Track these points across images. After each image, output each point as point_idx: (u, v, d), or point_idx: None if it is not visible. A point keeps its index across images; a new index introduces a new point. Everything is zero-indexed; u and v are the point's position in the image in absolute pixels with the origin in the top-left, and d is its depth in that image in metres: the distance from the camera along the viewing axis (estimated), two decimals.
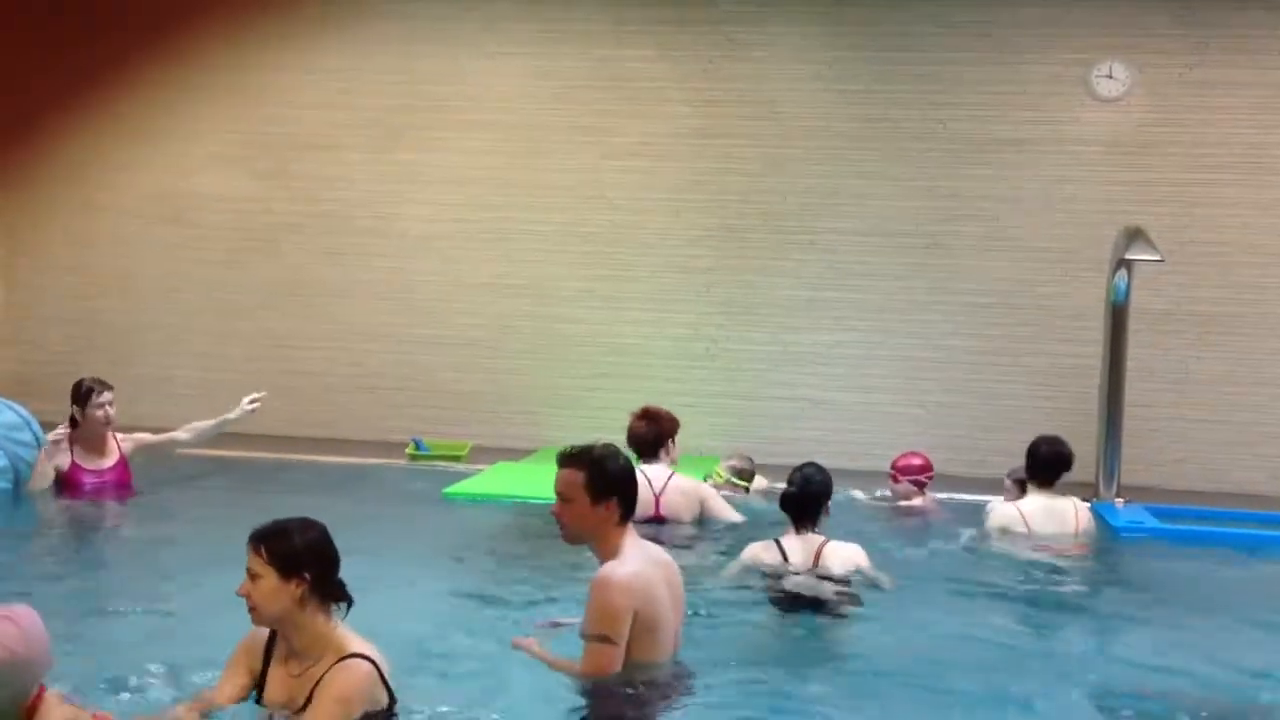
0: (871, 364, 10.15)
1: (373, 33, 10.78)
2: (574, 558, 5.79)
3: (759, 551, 6.00)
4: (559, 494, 4.37)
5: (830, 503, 6.03)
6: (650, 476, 6.97)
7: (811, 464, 6.09)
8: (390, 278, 10.79)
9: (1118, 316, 8.88)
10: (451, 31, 10.69)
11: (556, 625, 4.76)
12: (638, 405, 10.25)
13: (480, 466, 9.16)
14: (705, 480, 7.78)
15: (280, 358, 10.83)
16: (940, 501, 8.41)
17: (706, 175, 10.42)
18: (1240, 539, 7.59)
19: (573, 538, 4.41)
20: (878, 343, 10.18)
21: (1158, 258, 8.63)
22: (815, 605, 5.62)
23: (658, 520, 6.97)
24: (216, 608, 4.43)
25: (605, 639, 4.18)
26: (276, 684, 3.86)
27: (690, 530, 7.02)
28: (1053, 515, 7.27)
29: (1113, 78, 9.88)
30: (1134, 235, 8.73)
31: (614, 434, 10.03)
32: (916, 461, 8.47)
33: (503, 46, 10.65)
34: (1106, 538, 7.65)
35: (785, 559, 5.88)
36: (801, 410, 10.14)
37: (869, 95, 10.21)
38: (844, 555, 5.92)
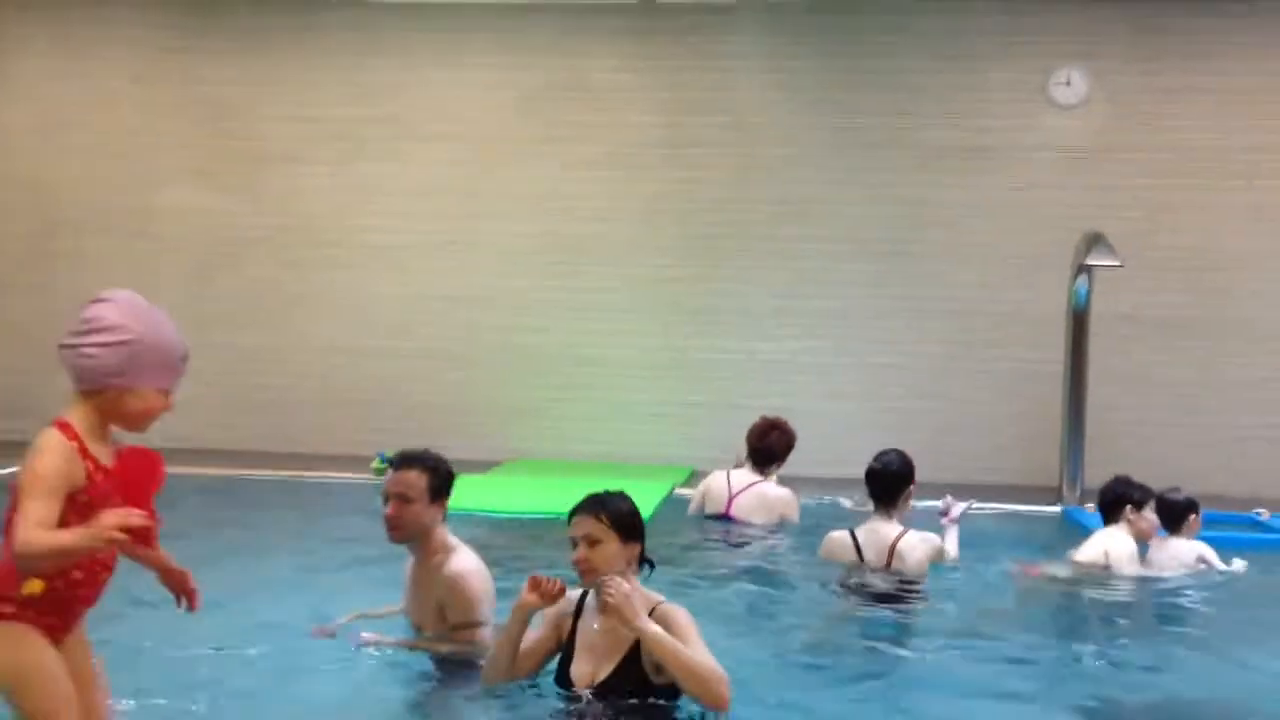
0: (839, 371, 10.20)
1: (334, 45, 10.77)
2: (543, 567, 5.80)
3: (835, 546, 6.18)
4: (399, 495, 4.50)
5: (910, 493, 6.12)
6: (731, 479, 7.47)
7: (895, 449, 6.19)
8: (355, 290, 10.76)
9: (1079, 321, 8.96)
10: (414, 43, 10.69)
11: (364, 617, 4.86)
12: (606, 415, 10.39)
13: None
14: None
15: (246, 372, 10.77)
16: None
17: (673, 185, 10.46)
18: (1214, 540, 7.63)
19: (406, 537, 4.55)
20: (845, 349, 10.23)
21: (1117, 263, 8.72)
22: (884, 600, 5.73)
23: (727, 518, 7.36)
24: (180, 630, 4.41)
25: (480, 623, 4.45)
26: (585, 644, 4.10)
27: (759, 531, 7.24)
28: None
29: (1070, 85, 9.98)
30: (1094, 241, 8.82)
31: (582, 444, 10.16)
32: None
33: (465, 57, 10.65)
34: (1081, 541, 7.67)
35: (860, 555, 6.03)
36: None
37: (834, 104, 10.28)
38: (918, 555, 5.98)
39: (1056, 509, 8.77)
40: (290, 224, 10.82)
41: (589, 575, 4.04)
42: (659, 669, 3.92)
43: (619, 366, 10.46)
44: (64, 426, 3.17)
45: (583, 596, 4.17)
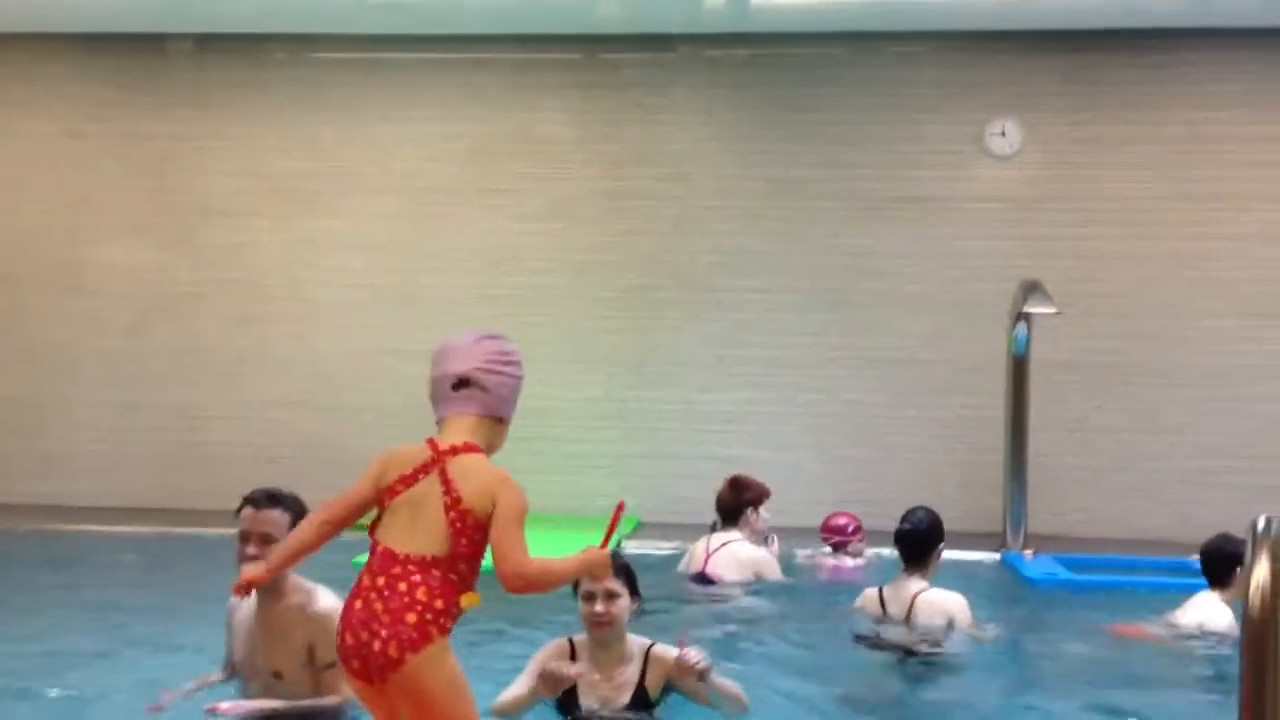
0: (781, 421, 10.25)
1: (277, 99, 10.75)
2: (493, 620, 5.80)
3: (866, 600, 6.28)
4: (263, 535, 4.41)
5: (940, 551, 6.18)
6: (711, 540, 7.51)
7: (924, 507, 6.24)
8: (299, 345, 10.69)
9: (1018, 368, 9.08)
10: (358, 96, 10.70)
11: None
12: (548, 467, 10.34)
13: None
14: None
15: (186, 429, 10.65)
16: (866, 561, 8.42)
17: (615, 236, 10.51)
18: (1151, 586, 7.75)
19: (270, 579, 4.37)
20: (787, 400, 10.29)
21: (1054, 310, 8.85)
22: (902, 652, 5.80)
23: (703, 577, 7.38)
24: (123, 687, 4.35)
25: None
26: (591, 689, 4.50)
27: (735, 591, 7.27)
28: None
29: (1006, 136, 10.17)
30: (1031, 288, 8.96)
31: (528, 498, 10.09)
32: (841, 521, 8.52)
33: (410, 111, 10.67)
34: (1018, 588, 7.76)
35: (884, 607, 6.11)
36: (713, 469, 10.11)
37: (773, 156, 10.39)
38: (937, 607, 6.03)
39: (998, 555, 8.85)
40: (231, 279, 10.74)
41: (607, 627, 4.51)
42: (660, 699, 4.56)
43: (561, 418, 10.45)
44: (479, 451, 3.70)
45: (571, 645, 4.61)
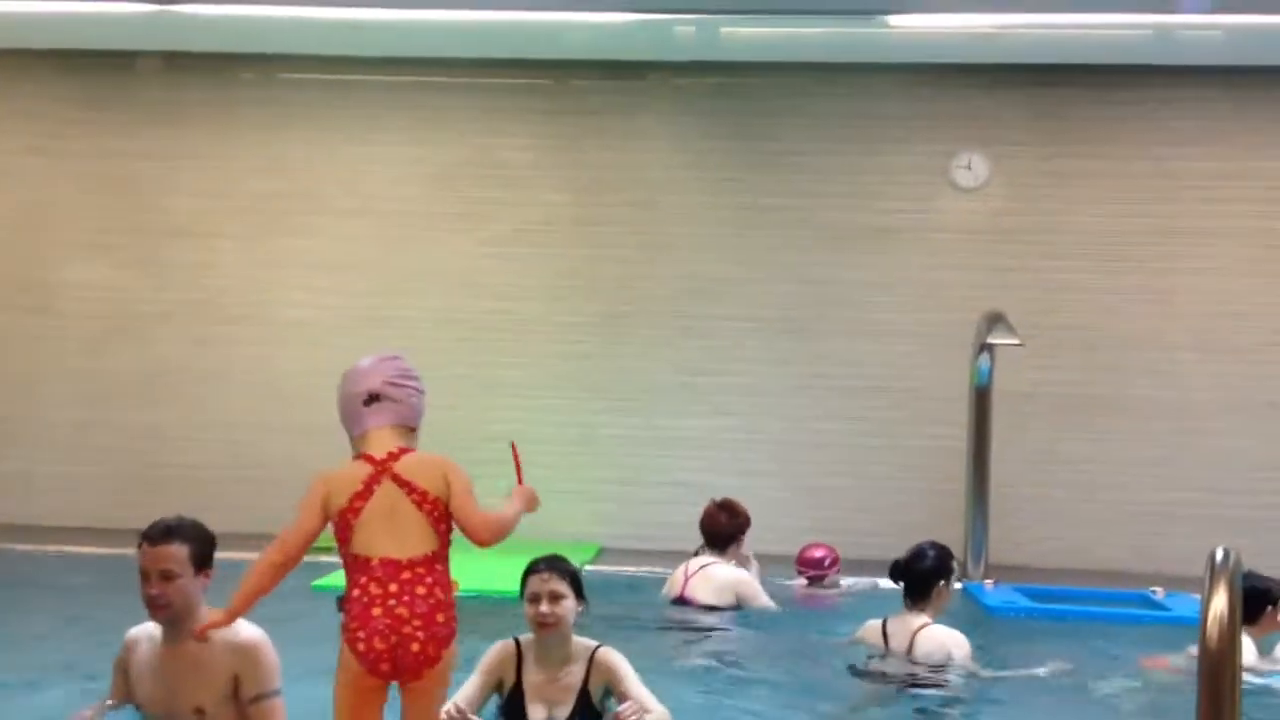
0: (747, 448, 10.25)
1: (245, 119, 10.71)
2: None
3: (867, 631, 6.29)
4: (162, 572, 4.20)
5: (946, 587, 6.17)
6: (690, 563, 7.53)
7: (931, 542, 6.24)
8: (263, 365, 10.62)
9: (981, 398, 9.13)
10: (324, 118, 10.67)
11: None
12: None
13: None
14: None
15: (148, 450, 10.55)
16: (841, 593, 8.42)
17: (582, 262, 10.52)
18: (1109, 617, 7.79)
19: (173, 615, 4.25)
20: (753, 427, 10.30)
21: (1017, 341, 8.91)
22: (900, 684, 5.81)
23: (682, 601, 7.40)
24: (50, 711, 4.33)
25: (279, 692, 4.35)
26: (536, 691, 4.58)
27: (715, 616, 7.27)
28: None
29: (971, 169, 10.25)
30: (994, 320, 9.02)
31: None
32: (817, 554, 8.49)
33: (376, 133, 10.66)
34: (979, 618, 7.78)
35: (886, 640, 6.11)
36: (679, 495, 10.13)
37: (741, 184, 10.44)
38: (937, 641, 6.02)
39: (958, 585, 8.86)
40: (196, 299, 10.67)
41: (551, 628, 4.59)
42: (605, 708, 4.61)
43: (527, 444, 10.29)
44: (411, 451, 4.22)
45: (518, 645, 4.71)
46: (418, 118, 10.65)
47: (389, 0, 9.36)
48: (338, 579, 8.14)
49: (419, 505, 4.08)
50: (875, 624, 6.28)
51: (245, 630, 4.30)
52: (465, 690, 4.63)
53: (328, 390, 10.95)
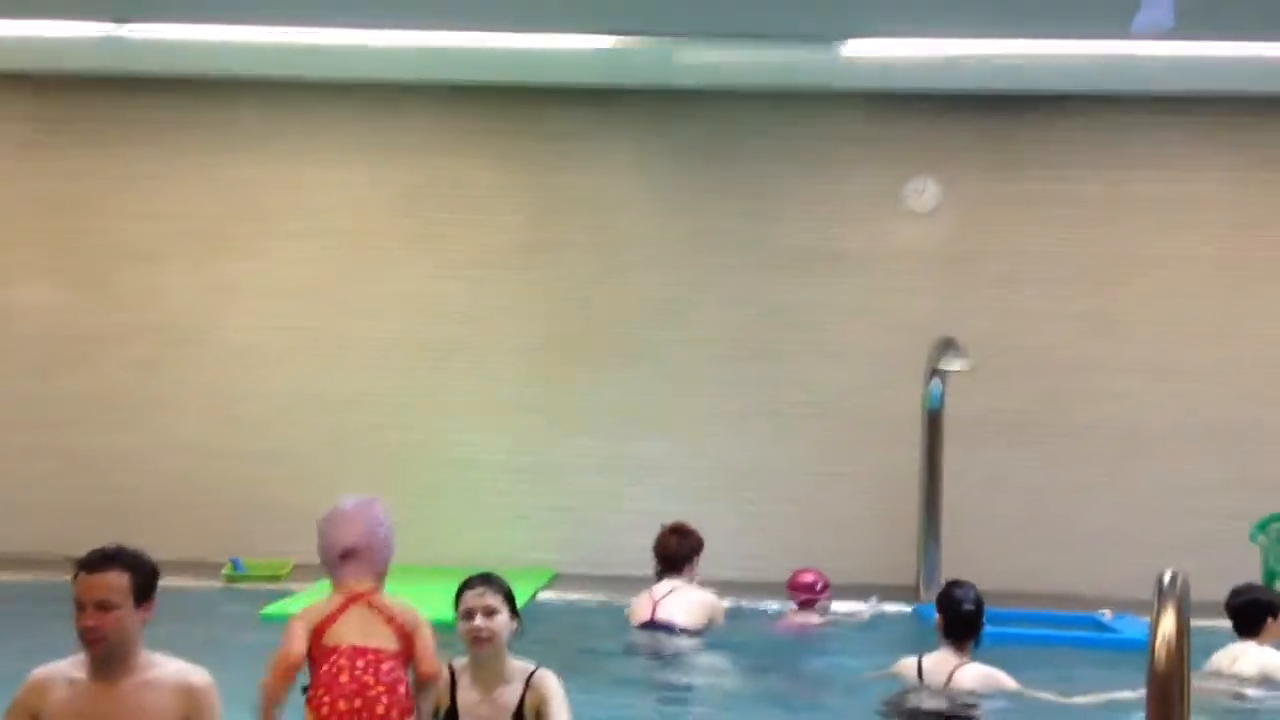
0: (701, 473, 10.24)
1: (196, 142, 10.61)
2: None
3: (903, 666, 6.19)
4: (99, 602, 3.90)
5: (980, 630, 6.06)
6: (654, 589, 7.50)
7: (971, 586, 6.09)
8: (212, 390, 10.50)
9: (933, 423, 9.18)
10: (277, 139, 10.61)
11: None
12: (469, 519, 10.24)
13: (302, 585, 8.87)
14: None
15: (92, 475, 10.39)
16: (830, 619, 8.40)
17: (539, 285, 10.50)
18: (1060, 640, 7.81)
19: (110, 649, 3.95)
20: (707, 451, 10.29)
21: (968, 366, 8.97)
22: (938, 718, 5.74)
23: (652, 625, 7.33)
24: None
25: None
26: (470, 711, 4.55)
27: (686, 636, 7.25)
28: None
29: (924, 193, 10.33)
30: (946, 345, 9.08)
31: (444, 547, 10.01)
32: (809, 579, 8.42)
33: (331, 154, 10.61)
34: (931, 642, 7.76)
35: (921, 676, 6.02)
36: (633, 521, 10.10)
37: (698, 208, 10.47)
38: (978, 676, 5.94)
39: (910, 609, 8.88)
40: (145, 322, 10.54)
41: (486, 643, 4.56)
42: None
43: (483, 469, 10.37)
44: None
45: (451, 670, 4.62)
46: (375, 141, 10.60)
47: (346, 22, 9.34)
48: (285, 606, 8.10)
49: (388, 623, 4.46)
50: (910, 660, 6.18)
51: (194, 672, 4.09)
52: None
53: (282, 414, 11.01)
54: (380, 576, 4.67)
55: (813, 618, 8.28)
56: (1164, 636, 2.83)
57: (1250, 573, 9.02)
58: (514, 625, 4.68)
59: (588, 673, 5.89)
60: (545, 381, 10.45)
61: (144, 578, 4.03)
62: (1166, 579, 2.93)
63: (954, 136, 10.37)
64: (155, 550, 10.05)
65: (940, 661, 6.03)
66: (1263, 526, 9.35)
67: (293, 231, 10.54)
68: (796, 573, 8.50)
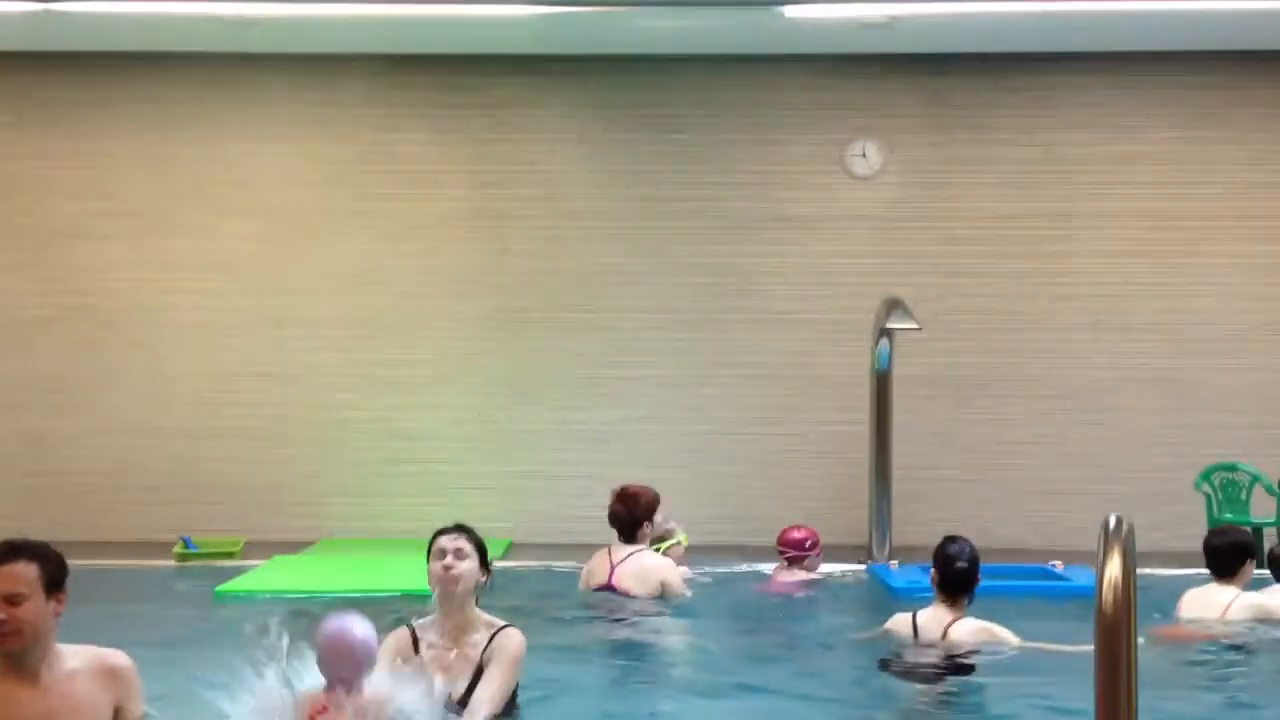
0: (653, 439, 10.27)
1: (129, 118, 10.43)
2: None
3: (895, 623, 6.20)
4: (11, 595, 3.69)
5: (974, 586, 6.06)
6: (613, 552, 7.41)
7: (966, 541, 6.08)
8: (154, 370, 10.37)
9: (882, 383, 9.25)
10: (211, 115, 10.45)
11: None
12: (421, 490, 10.22)
13: (256, 562, 8.83)
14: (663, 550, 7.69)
15: (32, 458, 10.25)
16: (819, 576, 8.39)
17: (484, 257, 10.45)
18: (1014, 590, 7.88)
19: (23, 643, 3.73)
20: (658, 417, 10.32)
21: (916, 326, 9.03)
22: (926, 674, 5.73)
23: (610, 589, 7.28)
24: None
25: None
26: (435, 660, 4.55)
27: (640, 604, 7.18)
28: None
29: (865, 157, 10.37)
30: (893, 305, 9.13)
31: (396, 520, 9.99)
32: (798, 535, 8.37)
33: (267, 130, 10.48)
34: (885, 600, 7.85)
35: (915, 633, 6.03)
36: (587, 488, 10.12)
37: (641, 176, 10.45)
38: (974, 630, 5.96)
39: (863, 566, 8.96)
40: (82, 303, 10.38)
41: (454, 584, 4.61)
42: None
43: (433, 440, 10.34)
44: None
45: (411, 629, 4.68)
46: (309, 114, 10.48)
47: None
48: (239, 584, 8.06)
49: None
50: (904, 617, 6.19)
51: (112, 655, 3.92)
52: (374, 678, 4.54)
53: (225, 393, 10.88)
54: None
55: (800, 574, 8.22)
56: (1110, 580, 2.87)
57: (1196, 523, 9.20)
58: (483, 577, 4.72)
59: (553, 638, 5.90)
60: (493, 353, 10.41)
61: (54, 569, 3.79)
62: (1112, 523, 2.97)
63: (895, 99, 10.40)
64: (101, 532, 10.07)
65: (935, 617, 6.04)
66: (1206, 476, 9.51)
67: (229, 208, 10.41)
68: (786, 529, 8.44)
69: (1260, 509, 9.21)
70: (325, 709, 4.07)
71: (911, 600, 7.80)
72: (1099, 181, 10.34)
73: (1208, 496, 9.45)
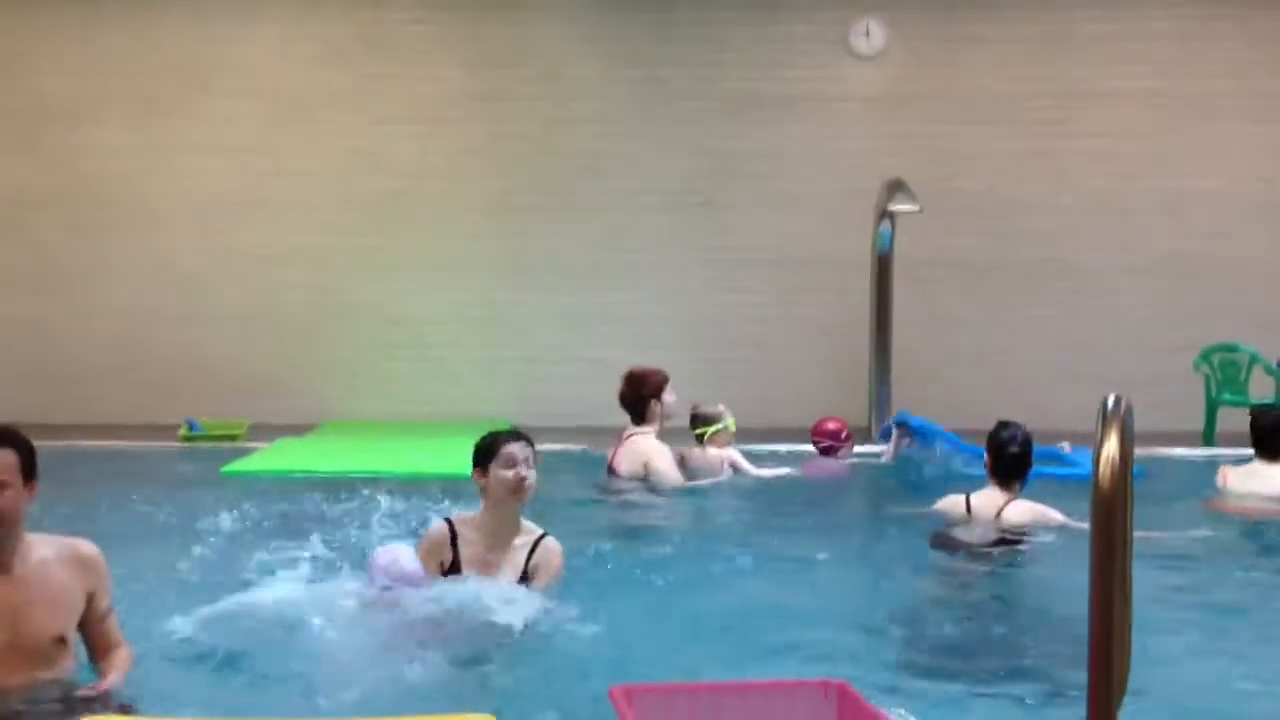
0: (651, 323, 10.27)
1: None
2: (371, 527, 5.78)
3: (948, 502, 6.32)
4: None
5: (1028, 472, 6.16)
6: (623, 432, 7.53)
7: (1020, 427, 6.14)
8: (151, 253, 10.34)
9: (882, 266, 9.23)
10: None
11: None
12: (422, 374, 10.27)
13: (260, 444, 8.91)
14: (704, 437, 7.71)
15: (34, 343, 10.27)
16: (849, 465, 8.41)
17: (481, 139, 10.35)
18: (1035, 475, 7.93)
19: (6, 529, 3.65)
20: (656, 301, 10.32)
21: (917, 208, 8.98)
22: (980, 552, 5.85)
23: (612, 472, 7.46)
24: None
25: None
26: (475, 563, 4.68)
27: (633, 484, 7.32)
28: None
29: (869, 36, 10.21)
30: (895, 187, 9.07)
31: (397, 404, 10.05)
32: (832, 426, 8.41)
33: (257, 9, 10.32)
34: (920, 481, 7.86)
35: (969, 511, 6.15)
36: (583, 371, 10.16)
37: (640, 57, 10.30)
38: (1026, 510, 6.07)
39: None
40: (76, 185, 10.29)
41: (527, 493, 4.71)
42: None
43: (432, 324, 10.35)
44: None
45: (450, 524, 4.77)
46: None
47: None
48: (245, 465, 8.13)
49: None
50: (958, 497, 6.31)
51: (82, 544, 3.84)
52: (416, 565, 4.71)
53: (222, 276, 10.86)
54: None
55: (831, 463, 8.27)
56: (1108, 458, 2.87)
57: (1195, 404, 9.25)
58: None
59: (572, 523, 5.94)
60: (493, 236, 10.37)
61: (30, 456, 3.70)
62: (1110, 403, 2.97)
63: None
64: (102, 414, 10.07)
65: (988, 499, 6.17)
66: (1205, 356, 9.54)
67: (222, 88, 10.28)
68: (821, 420, 8.50)
69: (1259, 389, 9.25)
70: None
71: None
72: (1103, 59, 10.21)
73: (1206, 377, 9.49)
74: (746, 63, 10.27)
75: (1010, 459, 6.12)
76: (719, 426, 7.76)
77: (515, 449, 4.73)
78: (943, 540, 6.05)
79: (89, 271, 10.34)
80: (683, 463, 7.61)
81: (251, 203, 10.30)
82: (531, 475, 4.72)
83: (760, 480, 7.63)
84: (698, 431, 7.73)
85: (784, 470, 7.82)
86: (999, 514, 6.10)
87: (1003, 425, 6.23)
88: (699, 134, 10.28)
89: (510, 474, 4.69)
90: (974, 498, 6.24)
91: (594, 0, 10.35)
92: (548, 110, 10.32)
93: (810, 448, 8.44)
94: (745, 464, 7.71)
